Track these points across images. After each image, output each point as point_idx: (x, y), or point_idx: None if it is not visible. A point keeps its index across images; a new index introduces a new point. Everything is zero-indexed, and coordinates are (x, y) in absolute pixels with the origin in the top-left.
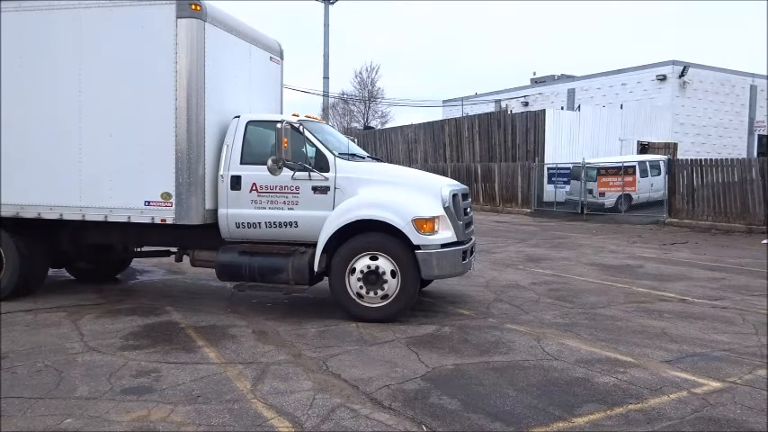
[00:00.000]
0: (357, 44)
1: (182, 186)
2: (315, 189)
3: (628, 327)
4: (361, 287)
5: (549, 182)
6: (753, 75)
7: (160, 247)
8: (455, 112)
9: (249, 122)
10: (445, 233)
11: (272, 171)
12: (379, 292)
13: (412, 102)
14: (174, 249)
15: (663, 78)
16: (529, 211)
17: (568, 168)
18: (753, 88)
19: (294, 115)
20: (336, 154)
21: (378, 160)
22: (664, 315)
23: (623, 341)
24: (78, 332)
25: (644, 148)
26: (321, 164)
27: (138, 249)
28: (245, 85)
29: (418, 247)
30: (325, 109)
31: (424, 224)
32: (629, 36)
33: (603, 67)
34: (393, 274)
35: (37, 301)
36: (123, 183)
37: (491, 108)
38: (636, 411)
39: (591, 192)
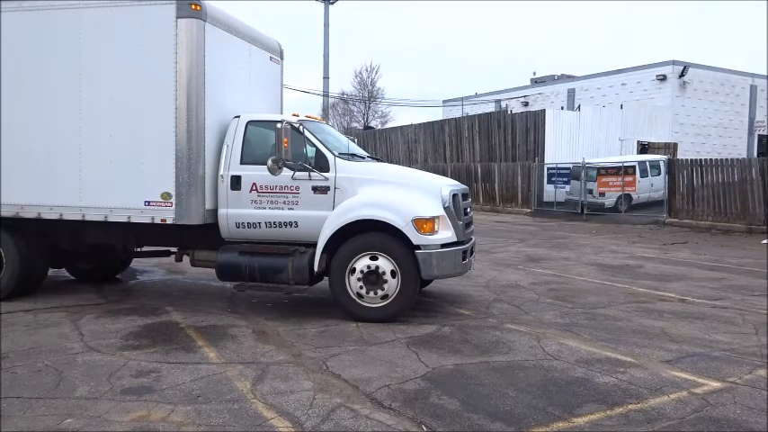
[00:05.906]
0: (357, 44)
1: (182, 186)
2: (315, 189)
3: (628, 327)
4: (361, 287)
5: (549, 182)
6: (753, 75)
7: (160, 247)
8: (455, 112)
9: (249, 122)
10: (445, 233)
11: (272, 171)
12: (379, 292)
13: (412, 102)
14: (174, 249)
15: (663, 78)
16: (529, 211)
17: (568, 168)
18: (753, 88)
19: (294, 115)
20: (336, 154)
21: (378, 160)
22: (664, 315)
23: (623, 341)
24: (78, 332)
25: (644, 148)
26: (321, 164)
27: (138, 249)
28: (245, 85)
29: (418, 247)
30: (325, 109)
31: (424, 224)
32: (629, 36)
33: (603, 67)
34: (393, 274)
35: (37, 301)
36: (123, 183)
37: (491, 108)
38: (636, 411)
39: (591, 192)
